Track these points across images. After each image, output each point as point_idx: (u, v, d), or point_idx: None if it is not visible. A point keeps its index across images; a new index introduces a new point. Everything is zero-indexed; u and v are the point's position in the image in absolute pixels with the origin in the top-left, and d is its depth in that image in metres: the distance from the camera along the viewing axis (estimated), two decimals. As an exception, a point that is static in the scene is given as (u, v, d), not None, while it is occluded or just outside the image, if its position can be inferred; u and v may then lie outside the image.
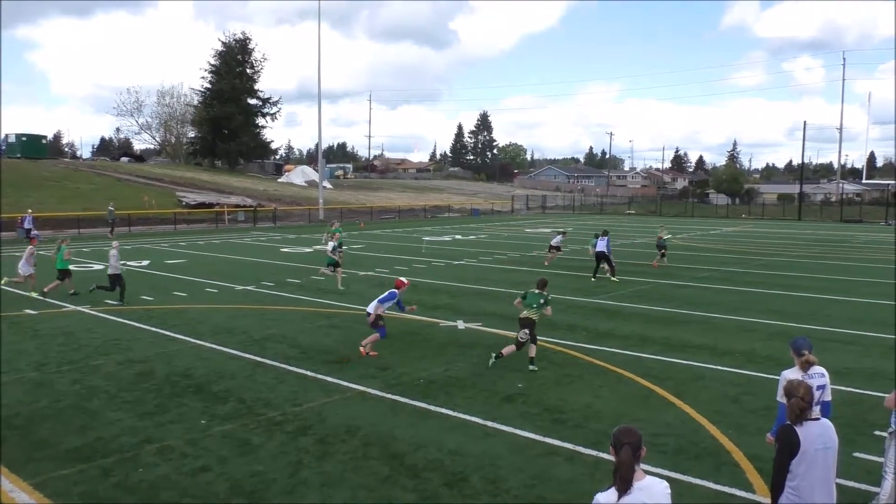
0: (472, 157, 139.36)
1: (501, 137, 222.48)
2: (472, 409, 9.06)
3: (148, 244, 32.99)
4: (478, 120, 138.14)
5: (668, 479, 6.86)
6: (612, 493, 3.66)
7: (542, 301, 11.30)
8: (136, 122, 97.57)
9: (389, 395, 9.70)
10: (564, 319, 14.98)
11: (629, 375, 10.71)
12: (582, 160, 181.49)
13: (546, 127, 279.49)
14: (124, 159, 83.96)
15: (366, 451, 7.73)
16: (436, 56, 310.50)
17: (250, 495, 6.65)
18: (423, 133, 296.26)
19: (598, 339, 13.11)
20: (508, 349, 11.02)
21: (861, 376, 10.60)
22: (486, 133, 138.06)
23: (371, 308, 11.81)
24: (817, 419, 4.64)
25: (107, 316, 15.18)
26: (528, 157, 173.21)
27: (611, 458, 7.40)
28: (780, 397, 5.78)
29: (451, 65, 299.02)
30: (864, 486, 6.59)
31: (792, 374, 5.99)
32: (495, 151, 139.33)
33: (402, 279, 12.67)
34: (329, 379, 10.49)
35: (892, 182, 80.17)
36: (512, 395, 9.71)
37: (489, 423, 8.56)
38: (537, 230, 44.05)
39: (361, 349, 11.92)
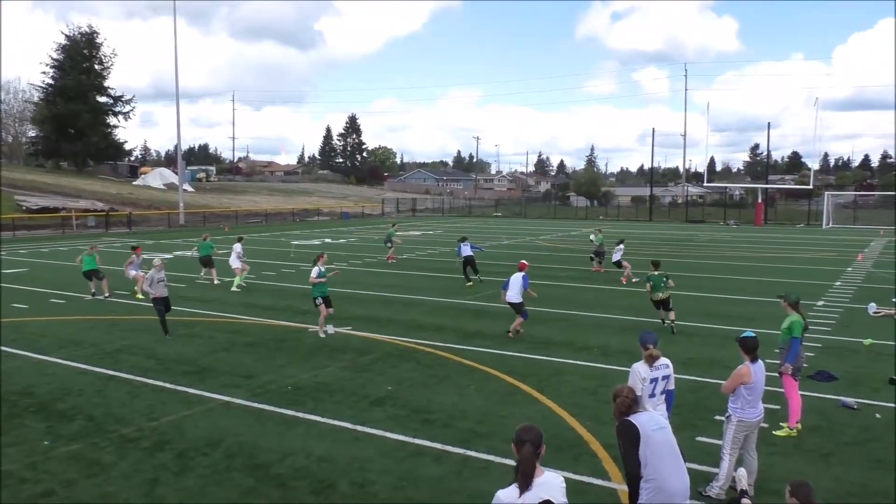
0: (341, 160, 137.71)
1: (371, 140, 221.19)
2: (340, 415, 8.96)
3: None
4: (346, 122, 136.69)
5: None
6: (513, 490, 3.73)
7: (665, 279, 13.94)
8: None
9: (255, 404, 9.40)
10: (433, 321, 15.15)
11: (495, 373, 10.99)
12: (450, 164, 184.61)
13: (413, 130, 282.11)
14: (-48, 159, 76.10)
15: (229, 462, 7.44)
16: (300, 57, 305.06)
17: (100, 519, 6.22)
18: (289, 135, 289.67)
19: (467, 339, 13.36)
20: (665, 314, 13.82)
21: (701, 365, 11.48)
22: (354, 136, 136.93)
23: (514, 297, 13.39)
24: (643, 411, 4.99)
25: (-69, 332, 13.68)
26: (398, 160, 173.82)
27: (479, 455, 7.59)
28: (633, 386, 6.16)
29: (316, 66, 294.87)
30: (705, 468, 7.12)
31: (641, 366, 6.40)
32: (365, 154, 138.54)
33: (524, 261, 14.64)
34: (190, 390, 10.01)
35: (730, 186, 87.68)
36: (381, 398, 9.69)
37: (358, 428, 8.50)
38: (407, 233, 44.30)
39: (510, 334, 13.32)
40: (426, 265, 25.80)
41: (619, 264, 22.56)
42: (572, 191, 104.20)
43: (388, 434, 8.29)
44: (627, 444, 4.79)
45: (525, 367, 11.37)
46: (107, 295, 18.18)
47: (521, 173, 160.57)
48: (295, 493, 6.73)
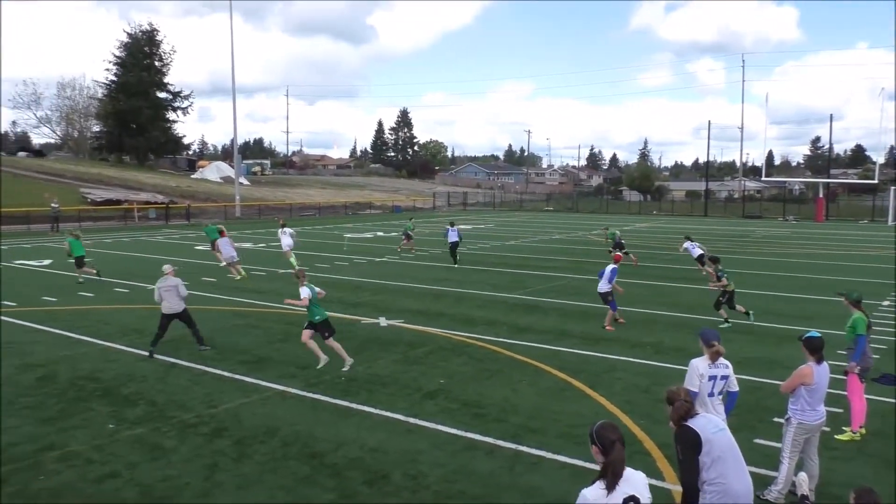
0: (392, 154, 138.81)
1: (422, 134, 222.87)
2: (393, 406, 9.06)
3: (50, 243, 31.28)
4: (398, 116, 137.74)
5: (582, 470, 7.10)
6: (598, 489, 3.72)
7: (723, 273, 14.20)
8: (35, 114, 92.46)
9: (310, 394, 9.58)
10: (484, 315, 15.16)
11: (547, 369, 10.95)
12: (501, 157, 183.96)
13: (464, 124, 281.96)
14: (22, 154, 79.38)
15: (285, 451, 7.61)
16: (353, 52, 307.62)
17: (162, 500, 6.44)
18: (341, 129, 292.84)
19: (518, 334, 13.33)
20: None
21: (759, 365, 11.21)
22: (406, 130, 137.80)
23: (601, 286, 14.02)
24: (697, 414, 4.83)
25: (3, 318, 14.31)
26: (449, 154, 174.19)
27: (531, 451, 7.56)
28: (691, 385, 6.03)
29: (368, 61, 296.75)
30: (763, 471, 6.96)
31: (700, 362, 6.23)
32: (416, 148, 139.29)
33: (618, 253, 15.76)
34: (247, 379, 10.26)
35: (789, 180, 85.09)
36: (433, 391, 9.76)
37: (411, 420, 8.58)
38: (459, 227, 44.34)
39: (608, 327, 13.69)
40: (478, 259, 25.81)
41: (700, 260, 21.10)
42: (625, 185, 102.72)
43: (440, 427, 8.35)
44: (687, 450, 4.64)
45: (577, 363, 11.29)
46: (81, 281, 19.10)
47: (573, 167, 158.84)
48: (349, 483, 6.84)
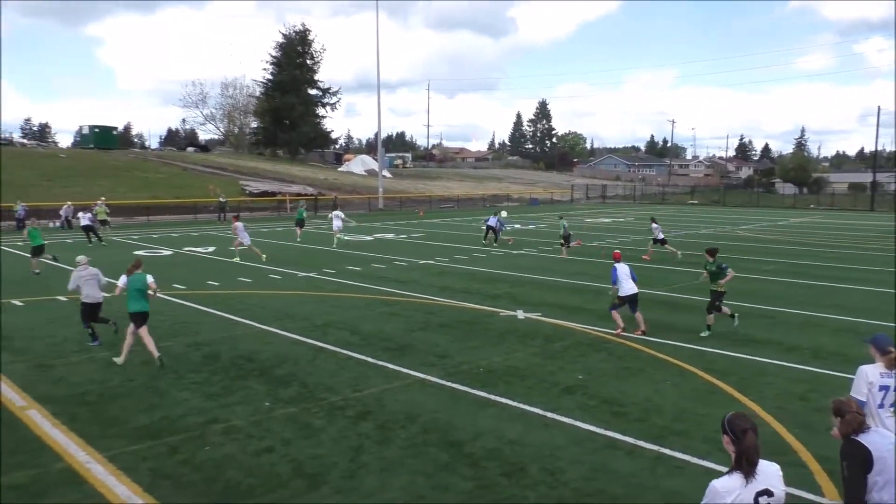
0: (530, 146, 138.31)
1: (560, 126, 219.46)
2: (531, 400, 9.05)
3: (214, 231, 33.96)
4: (536, 108, 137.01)
5: (732, 475, 6.72)
6: (731, 480, 3.64)
7: (723, 268, 12.77)
8: (201, 113, 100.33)
9: (449, 384, 9.76)
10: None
11: (692, 370, 10.50)
12: (643, 149, 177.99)
13: (604, 115, 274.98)
14: (190, 149, 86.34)
15: (425, 437, 7.81)
16: (493, 45, 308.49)
17: (312, 477, 6.81)
18: (480, 122, 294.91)
19: (660, 332, 12.87)
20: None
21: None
22: (544, 121, 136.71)
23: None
24: (869, 428, 4.39)
25: (176, 300, 15.71)
26: (588, 145, 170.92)
27: (674, 454, 7.29)
28: (858, 394, 5.56)
29: (506, 53, 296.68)
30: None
31: (871, 369, 5.70)
32: (554, 140, 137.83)
33: (616, 251, 14.36)
34: (389, 366, 10.62)
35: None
36: (571, 387, 9.65)
37: (548, 414, 8.53)
38: (598, 220, 43.49)
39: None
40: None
41: (663, 242, 24.06)
42: (778, 177, 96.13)
43: (578, 423, 8.24)
44: (855, 467, 4.22)
45: (725, 365, 10.73)
46: (37, 272, 19.40)
47: (720, 158, 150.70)
48: (487, 473, 6.92)
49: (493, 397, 9.18)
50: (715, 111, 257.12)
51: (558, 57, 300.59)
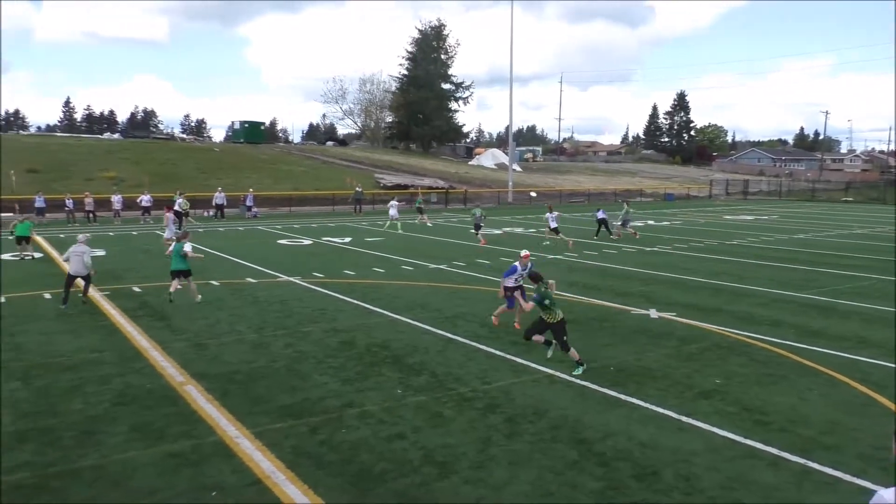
0: (666, 140, 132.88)
1: (699, 118, 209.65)
2: (664, 402, 8.75)
3: (350, 222, 35.35)
4: (674, 100, 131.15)
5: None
6: None
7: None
8: (340, 108, 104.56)
9: (578, 381, 9.64)
10: (768, 314, 13.94)
11: (843, 379, 9.75)
12: (791, 142, 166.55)
13: (747, 107, 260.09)
14: (329, 143, 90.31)
15: (553, 434, 7.77)
16: (629, 35, 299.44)
17: (442, 466, 6.95)
18: (613, 115, 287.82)
19: (808, 338, 12.04)
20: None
21: None
22: (682, 114, 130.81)
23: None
24: None
25: (315, 288, 16.52)
26: (729, 139, 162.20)
27: (823, 469, 6.82)
28: None
29: (642, 44, 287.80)
30: None
31: None
32: (692, 133, 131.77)
33: (525, 251, 13.43)
34: (518, 360, 10.63)
35: None
36: (708, 391, 9.24)
37: (683, 418, 8.22)
38: (737, 217, 41.24)
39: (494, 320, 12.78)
40: (760, 253, 23.77)
41: (556, 231, 25.23)
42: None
43: (715, 430, 7.89)
44: None
45: (882, 377, 9.88)
46: (26, 255, 20.88)
47: (881, 152, 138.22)
48: (617, 475, 6.77)
49: (623, 397, 8.97)
50: (875, 101, 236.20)
51: (698, 46, 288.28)
